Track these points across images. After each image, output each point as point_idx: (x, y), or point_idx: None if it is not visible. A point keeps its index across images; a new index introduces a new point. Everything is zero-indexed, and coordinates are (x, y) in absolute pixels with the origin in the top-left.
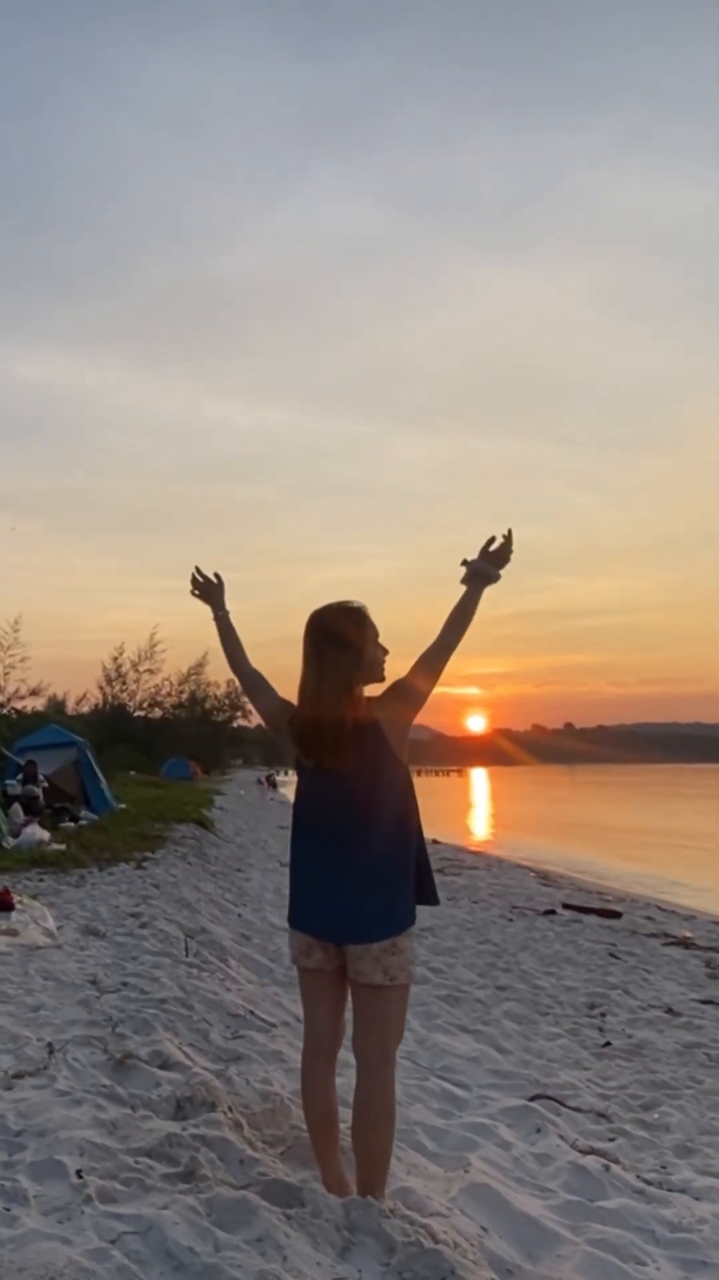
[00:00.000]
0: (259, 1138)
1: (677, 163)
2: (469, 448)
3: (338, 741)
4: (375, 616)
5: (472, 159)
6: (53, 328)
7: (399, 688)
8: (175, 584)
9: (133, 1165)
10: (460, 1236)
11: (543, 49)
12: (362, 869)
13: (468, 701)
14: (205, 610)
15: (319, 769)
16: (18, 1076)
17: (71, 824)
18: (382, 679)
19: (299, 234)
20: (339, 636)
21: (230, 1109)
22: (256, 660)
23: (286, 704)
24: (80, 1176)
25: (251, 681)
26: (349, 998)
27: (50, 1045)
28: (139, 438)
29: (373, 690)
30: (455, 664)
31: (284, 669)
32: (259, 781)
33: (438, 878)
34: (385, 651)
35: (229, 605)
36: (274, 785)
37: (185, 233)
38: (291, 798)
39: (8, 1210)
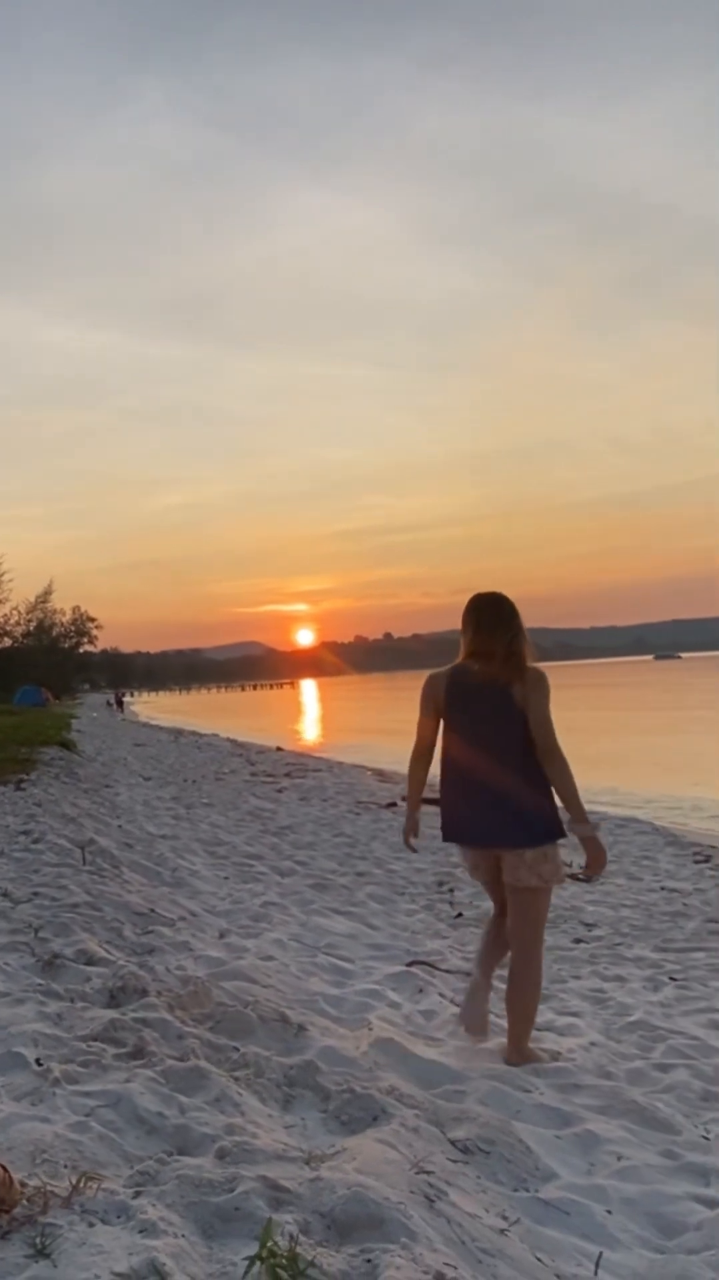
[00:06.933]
0: (189, 1017)
1: (483, 86)
2: (294, 371)
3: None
4: (214, 541)
5: (290, 80)
6: None
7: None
8: (10, 513)
9: (86, 1049)
10: (381, 1083)
11: None
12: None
13: (297, 617)
14: (45, 539)
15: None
16: None
17: None
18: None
19: (124, 151)
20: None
21: (159, 994)
22: (103, 586)
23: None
24: (40, 1064)
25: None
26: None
27: None
28: None
29: None
30: (285, 582)
31: (130, 595)
32: (108, 703)
33: (286, 782)
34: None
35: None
36: (122, 706)
37: (6, 148)
38: (143, 716)
39: None
